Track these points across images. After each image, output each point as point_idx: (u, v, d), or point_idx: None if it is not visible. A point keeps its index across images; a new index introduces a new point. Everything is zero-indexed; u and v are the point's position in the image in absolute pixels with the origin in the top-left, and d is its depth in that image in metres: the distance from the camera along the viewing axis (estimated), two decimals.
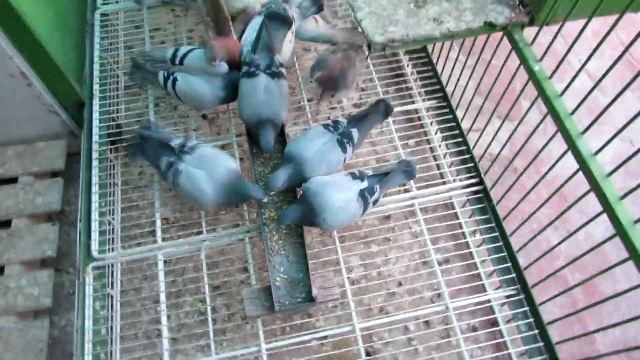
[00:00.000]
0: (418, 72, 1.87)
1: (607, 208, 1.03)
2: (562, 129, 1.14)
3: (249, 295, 1.36)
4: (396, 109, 1.80)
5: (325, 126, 1.48)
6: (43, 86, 1.62)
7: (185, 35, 2.04)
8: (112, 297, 1.46)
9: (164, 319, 1.40)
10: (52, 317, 1.61)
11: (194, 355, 1.43)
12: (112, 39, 1.94)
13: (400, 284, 1.72)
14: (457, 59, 1.72)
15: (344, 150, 1.45)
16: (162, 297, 1.44)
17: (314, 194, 1.34)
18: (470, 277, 1.57)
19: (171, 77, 1.55)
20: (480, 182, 1.59)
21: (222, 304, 1.65)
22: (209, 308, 1.43)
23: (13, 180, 1.74)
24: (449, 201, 1.60)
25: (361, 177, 1.41)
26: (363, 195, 1.38)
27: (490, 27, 1.23)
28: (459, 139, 1.69)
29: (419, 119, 1.82)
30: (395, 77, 1.92)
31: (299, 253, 1.42)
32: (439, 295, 1.67)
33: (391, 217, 1.78)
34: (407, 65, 1.91)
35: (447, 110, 1.74)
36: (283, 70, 1.56)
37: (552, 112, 1.16)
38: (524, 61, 1.23)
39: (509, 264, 1.47)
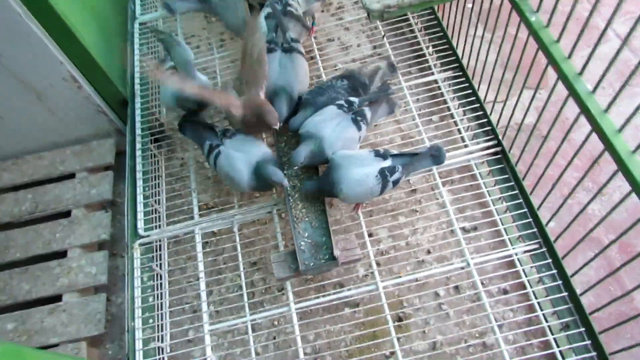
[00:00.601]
0: (434, 47, 1.93)
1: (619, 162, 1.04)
2: (560, 74, 1.16)
3: (277, 259, 1.47)
4: (417, 81, 1.87)
5: (340, 106, 1.53)
6: (91, 88, 1.83)
7: (218, 38, 2.22)
8: (161, 267, 1.61)
9: (202, 285, 1.53)
10: (109, 296, 1.79)
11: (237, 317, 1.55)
12: (152, 44, 2.13)
13: (429, 252, 1.76)
14: (468, 32, 1.76)
15: (359, 128, 1.51)
16: (201, 266, 1.58)
17: (336, 165, 1.43)
18: (494, 236, 1.59)
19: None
20: (498, 143, 1.61)
21: (260, 277, 1.77)
22: (242, 276, 1.55)
23: (72, 175, 1.96)
24: (467, 164, 1.64)
25: (384, 155, 1.46)
26: (383, 173, 1.42)
27: None
28: (476, 105, 1.72)
29: (439, 88, 1.86)
30: (414, 53, 1.98)
31: (322, 219, 1.50)
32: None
33: (417, 189, 1.83)
34: (425, 41, 1.97)
35: (463, 79, 1.78)
36: (297, 45, 1.66)
37: (551, 58, 1.19)
38: (521, 14, 1.26)
39: (530, 219, 1.48)
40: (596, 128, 1.08)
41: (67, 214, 1.88)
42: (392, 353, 1.50)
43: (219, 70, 2.02)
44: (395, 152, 1.48)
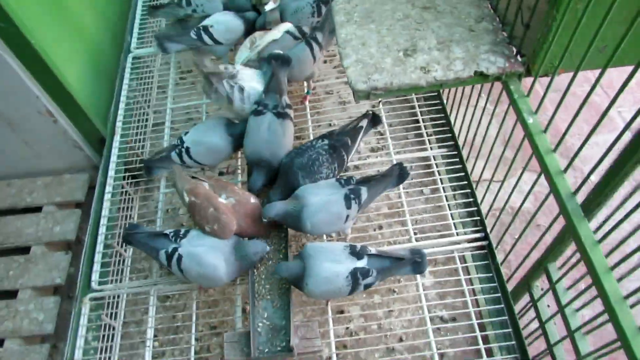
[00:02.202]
0: (432, 119, 1.83)
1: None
2: (552, 187, 1.05)
3: (230, 339, 1.35)
4: (411, 155, 1.76)
5: (338, 179, 1.43)
6: (68, 123, 1.75)
7: None
8: (111, 327, 1.49)
9: (147, 355, 1.41)
10: (57, 344, 1.67)
11: None
12: (146, 79, 2.04)
13: (401, 340, 1.64)
14: (469, 102, 1.66)
15: (348, 206, 1.38)
16: (150, 333, 1.45)
17: (307, 256, 1.30)
18: (471, 332, 1.45)
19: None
20: (485, 237, 1.49)
21: (217, 343, 1.65)
22: (193, 344, 1.42)
23: (38, 209, 1.87)
24: (451, 255, 1.51)
25: (360, 254, 1.31)
26: (355, 275, 1.28)
27: (481, 76, 1.18)
28: (467, 190, 1.60)
29: (432, 166, 1.75)
30: (412, 122, 1.88)
31: (285, 299, 1.38)
32: (442, 355, 1.57)
33: None
34: (424, 112, 1.86)
35: (457, 160, 1.67)
36: (290, 111, 1.57)
37: (544, 168, 1.08)
38: (518, 114, 1.16)
39: (510, 330, 1.35)
40: (583, 255, 0.97)
41: (26, 250, 1.78)
42: None
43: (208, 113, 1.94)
44: (373, 250, 1.33)
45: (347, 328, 1.67)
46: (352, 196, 1.38)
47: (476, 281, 1.53)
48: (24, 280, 1.69)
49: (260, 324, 1.35)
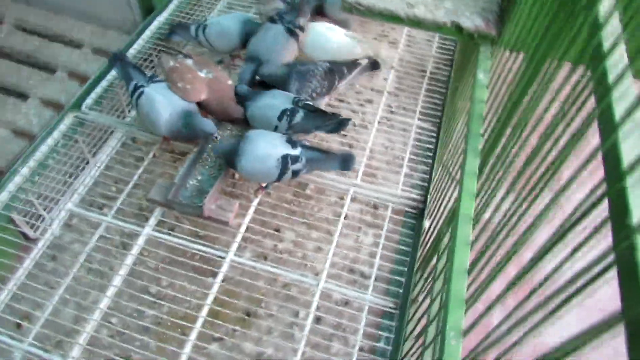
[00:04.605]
0: (431, 91, 1.89)
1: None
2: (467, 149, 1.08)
3: (161, 184, 1.49)
4: (398, 118, 1.83)
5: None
6: None
7: None
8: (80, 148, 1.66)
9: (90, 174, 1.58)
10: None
11: (99, 213, 1.54)
12: None
13: (317, 274, 1.68)
14: None
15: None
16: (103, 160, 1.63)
17: (245, 138, 1.42)
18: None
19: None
20: (424, 201, 1.53)
21: None
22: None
23: (78, 46, 2.14)
24: (386, 205, 1.55)
25: (295, 143, 1.42)
26: (285, 159, 1.38)
27: (457, 29, 1.25)
28: (428, 159, 1.65)
29: (409, 132, 1.80)
30: (414, 95, 1.94)
31: (221, 175, 1.50)
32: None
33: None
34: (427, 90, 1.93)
35: (434, 133, 1.73)
36: (300, 33, 1.70)
37: (469, 123, 1.12)
38: (475, 68, 1.22)
39: (403, 279, 1.38)
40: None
41: (52, 71, 2.04)
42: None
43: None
44: (309, 144, 1.46)
45: (276, 245, 1.72)
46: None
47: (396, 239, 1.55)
48: (38, 90, 1.96)
49: (190, 182, 1.49)
